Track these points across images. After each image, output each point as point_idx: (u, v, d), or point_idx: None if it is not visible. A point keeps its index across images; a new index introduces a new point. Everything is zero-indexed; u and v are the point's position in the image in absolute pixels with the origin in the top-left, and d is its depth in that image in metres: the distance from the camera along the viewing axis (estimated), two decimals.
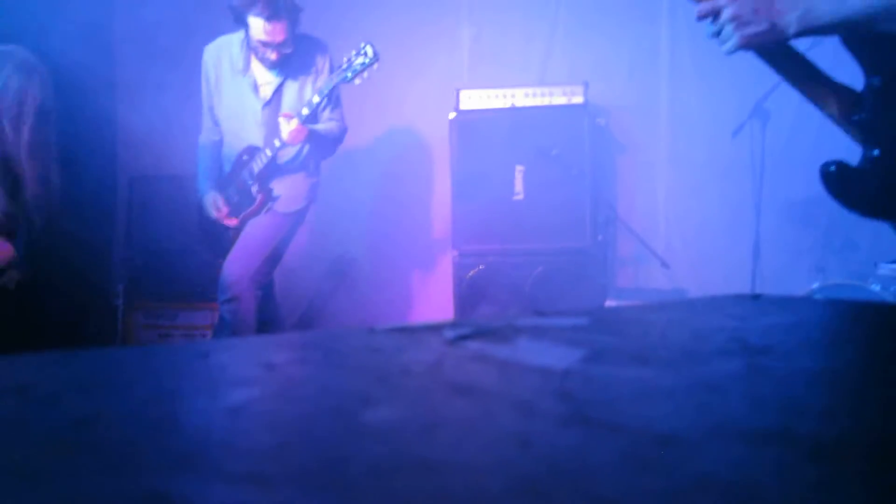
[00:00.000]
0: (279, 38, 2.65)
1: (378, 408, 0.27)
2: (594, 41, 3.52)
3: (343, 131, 2.86)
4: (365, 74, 2.62)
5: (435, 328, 0.48)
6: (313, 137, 2.71)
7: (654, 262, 3.19)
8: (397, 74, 2.90)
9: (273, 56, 2.69)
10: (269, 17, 2.60)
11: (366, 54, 2.59)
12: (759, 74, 1.88)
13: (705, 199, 3.40)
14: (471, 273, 3.27)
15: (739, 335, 0.47)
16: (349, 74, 2.61)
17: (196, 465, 0.21)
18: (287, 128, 2.62)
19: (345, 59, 2.63)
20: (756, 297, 0.76)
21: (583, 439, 0.23)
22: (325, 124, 2.78)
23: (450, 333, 0.46)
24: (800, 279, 3.03)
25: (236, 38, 2.82)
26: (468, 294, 3.29)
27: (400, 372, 0.34)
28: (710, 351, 0.41)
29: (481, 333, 0.46)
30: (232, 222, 2.84)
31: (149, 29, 3.71)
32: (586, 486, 0.19)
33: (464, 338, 0.45)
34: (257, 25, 2.63)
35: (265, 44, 2.66)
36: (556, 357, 0.38)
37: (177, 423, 0.26)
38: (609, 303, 3.04)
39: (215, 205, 2.84)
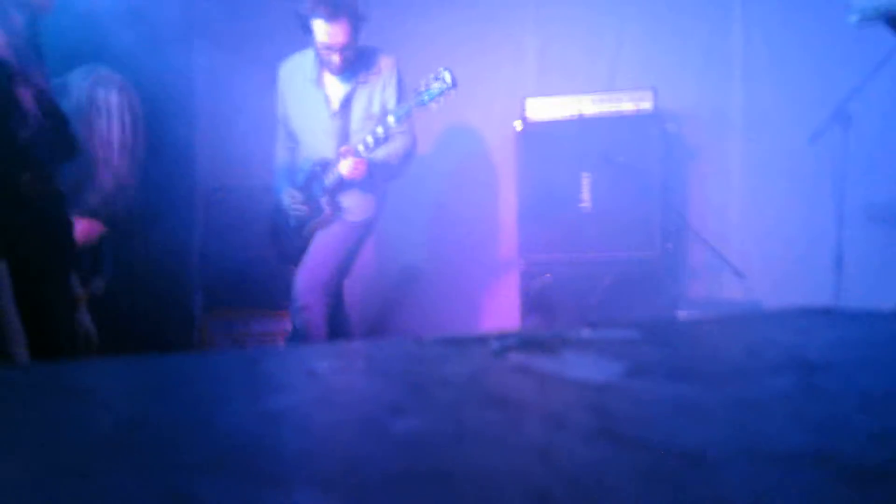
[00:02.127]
0: (341, 39, 2.71)
1: (407, 418, 0.27)
2: (663, 46, 3.44)
3: (413, 144, 2.89)
4: (441, 100, 2.67)
5: (482, 339, 0.48)
6: (374, 169, 2.77)
7: (728, 273, 3.09)
8: (464, 83, 2.90)
9: (336, 59, 2.74)
10: (329, 18, 2.66)
11: (444, 80, 2.65)
12: (839, 76, 1.80)
13: (783, 207, 3.26)
14: (537, 283, 3.25)
15: (797, 351, 0.45)
16: (425, 98, 2.66)
17: (226, 466, 0.22)
18: (345, 165, 2.69)
19: (422, 83, 2.68)
20: (827, 311, 0.72)
21: (606, 454, 0.23)
22: (391, 145, 2.82)
23: (495, 345, 0.46)
24: (888, 292, 2.87)
25: (310, 53, 2.90)
26: (534, 304, 3.27)
27: (437, 383, 0.34)
28: (760, 367, 0.40)
29: (527, 345, 0.46)
30: (303, 210, 2.88)
31: (226, 42, 3.86)
32: (601, 500, 0.19)
33: (508, 349, 0.45)
34: (320, 28, 2.70)
35: (328, 47, 2.72)
36: (598, 370, 0.37)
37: (215, 427, 0.27)
38: (680, 314, 2.95)
39: (291, 196, 2.90)
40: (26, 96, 1.51)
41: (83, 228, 2.15)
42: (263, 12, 3.78)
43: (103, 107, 2.36)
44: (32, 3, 1.61)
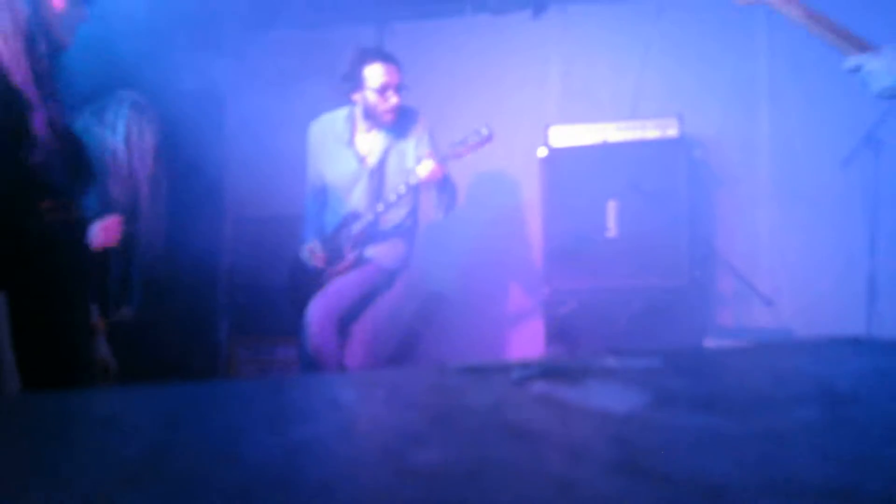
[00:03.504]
0: (396, 79, 2.80)
1: (427, 449, 0.27)
2: (688, 71, 3.44)
3: (455, 189, 2.96)
4: (477, 150, 2.76)
5: (504, 368, 0.48)
6: (447, 181, 2.82)
7: (758, 300, 3.04)
8: (487, 111, 2.93)
9: (395, 99, 2.80)
10: (387, 61, 2.76)
11: (481, 135, 2.74)
12: (867, 101, 1.79)
13: (813, 234, 3.21)
14: (563, 311, 3.23)
15: (825, 382, 0.44)
16: (461, 150, 2.74)
17: (249, 498, 0.22)
18: (426, 167, 2.73)
19: (460, 138, 2.76)
20: (856, 341, 0.71)
21: (627, 487, 0.23)
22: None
23: (517, 373, 0.46)
24: None
25: (340, 113, 2.98)
26: (560, 332, 3.25)
27: (459, 412, 0.34)
28: (787, 398, 0.39)
29: (549, 374, 0.46)
30: (321, 261, 2.92)
31: (254, 75, 3.94)
32: None
33: (531, 378, 0.45)
34: (376, 72, 2.79)
35: (386, 86, 2.79)
36: (621, 401, 0.37)
37: (239, 458, 0.27)
38: (708, 342, 2.91)
39: (312, 250, 2.95)
40: (40, 123, 1.55)
41: (104, 227, 2.18)
42: (296, 45, 3.87)
43: (135, 134, 2.42)
44: (54, 36, 1.66)
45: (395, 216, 2.87)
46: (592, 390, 0.41)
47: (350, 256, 2.89)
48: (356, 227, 2.87)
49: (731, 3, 2.17)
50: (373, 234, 2.87)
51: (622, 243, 3.13)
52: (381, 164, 2.91)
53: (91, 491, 0.23)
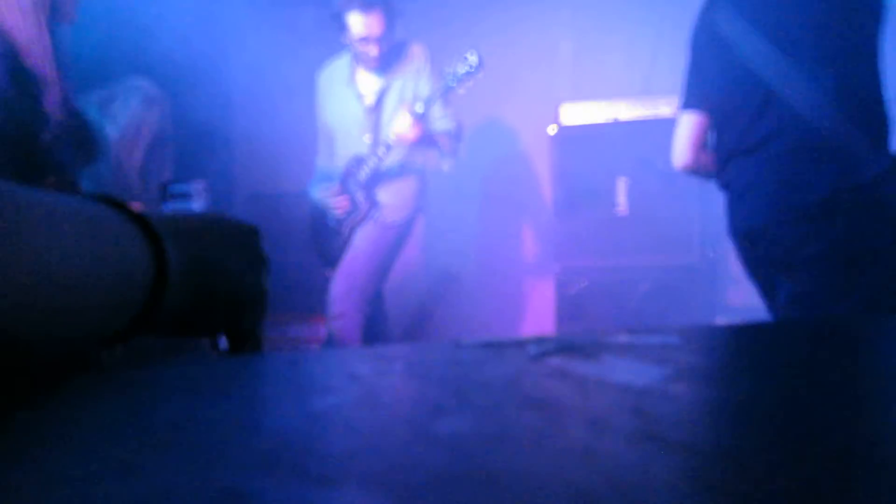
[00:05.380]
0: (377, 30, 2.75)
1: (449, 418, 0.27)
2: None
3: (460, 127, 2.90)
4: (470, 83, 2.65)
5: (520, 344, 0.48)
6: (427, 138, 2.77)
7: None
8: (499, 87, 2.92)
9: (374, 51, 2.77)
10: (364, 9, 2.70)
11: (469, 63, 2.62)
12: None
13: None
14: (574, 289, 3.23)
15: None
16: (451, 82, 2.65)
17: (274, 465, 0.23)
18: (400, 124, 2.69)
19: (448, 68, 2.67)
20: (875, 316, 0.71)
21: (649, 456, 0.23)
22: (440, 123, 2.84)
23: (533, 349, 0.47)
24: None
25: (344, 57, 2.95)
26: (571, 310, 3.25)
27: (477, 385, 0.34)
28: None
29: (565, 349, 0.46)
30: (341, 204, 2.89)
31: (263, 50, 3.93)
32: (645, 500, 0.19)
33: (547, 353, 0.45)
34: (356, 21, 2.75)
35: (365, 39, 2.75)
36: (638, 374, 0.37)
37: (261, 427, 0.27)
38: (720, 320, 2.91)
39: (326, 189, 2.92)
40: (52, 101, 1.55)
41: None
42: (301, 19, 3.85)
43: (135, 129, 2.41)
44: (63, 11, 1.66)
45: (399, 156, 2.85)
46: (609, 365, 0.41)
47: (364, 204, 2.87)
48: (363, 173, 2.85)
49: None
50: (380, 177, 2.86)
51: (633, 221, 3.12)
52: (379, 103, 2.89)
53: (117, 459, 0.23)
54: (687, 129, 1.89)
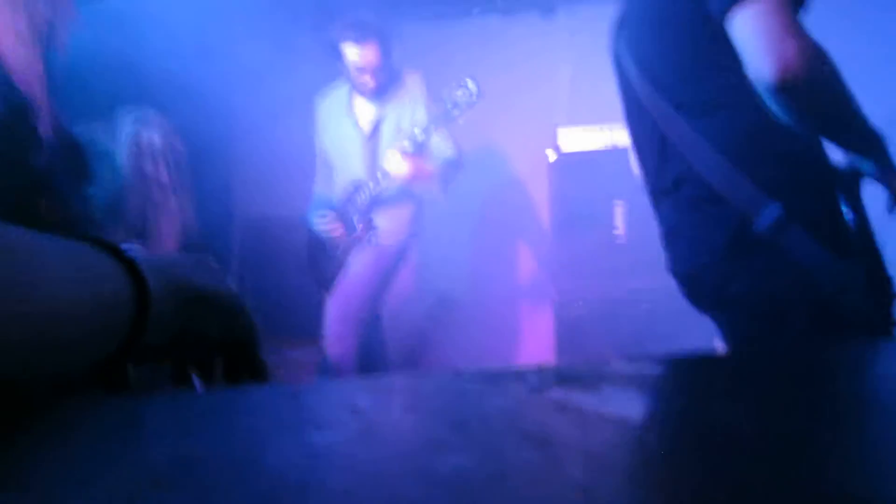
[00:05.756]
0: (372, 61, 2.77)
1: (449, 455, 0.27)
2: None
3: (460, 155, 2.90)
4: (468, 111, 2.66)
5: (520, 374, 0.48)
6: (420, 173, 2.78)
7: None
8: (496, 112, 2.94)
9: (370, 82, 2.79)
10: (359, 40, 2.72)
11: (469, 90, 2.62)
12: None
13: None
14: (572, 313, 3.22)
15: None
16: (451, 110, 2.65)
17: None
18: (392, 162, 2.70)
19: (445, 94, 2.67)
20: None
21: (648, 494, 0.23)
22: (440, 150, 2.84)
23: (534, 380, 0.47)
24: None
25: (343, 85, 2.97)
26: (570, 334, 3.25)
27: (476, 419, 0.34)
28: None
29: (565, 380, 0.46)
30: (337, 231, 2.90)
31: (262, 75, 3.96)
32: None
33: (546, 384, 0.45)
34: (351, 52, 2.77)
35: (360, 69, 2.77)
36: (637, 407, 0.37)
37: (260, 464, 0.27)
38: (718, 345, 2.90)
39: (322, 215, 2.94)
40: (45, 125, 1.56)
41: None
42: (300, 43, 3.88)
43: (147, 147, 2.43)
44: (54, 40, 1.67)
45: (397, 181, 2.85)
46: (608, 397, 0.41)
47: (360, 227, 2.88)
48: (361, 198, 2.86)
49: None
50: (378, 202, 2.86)
51: (631, 245, 3.13)
52: (376, 131, 2.90)
53: (117, 495, 0.23)
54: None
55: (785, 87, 1.13)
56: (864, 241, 1.35)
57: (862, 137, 1.30)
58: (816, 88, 1.15)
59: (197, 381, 0.60)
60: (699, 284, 1.52)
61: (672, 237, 1.59)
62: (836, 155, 1.39)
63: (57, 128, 1.59)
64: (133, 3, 2.85)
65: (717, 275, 1.42)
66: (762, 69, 1.14)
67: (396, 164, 2.70)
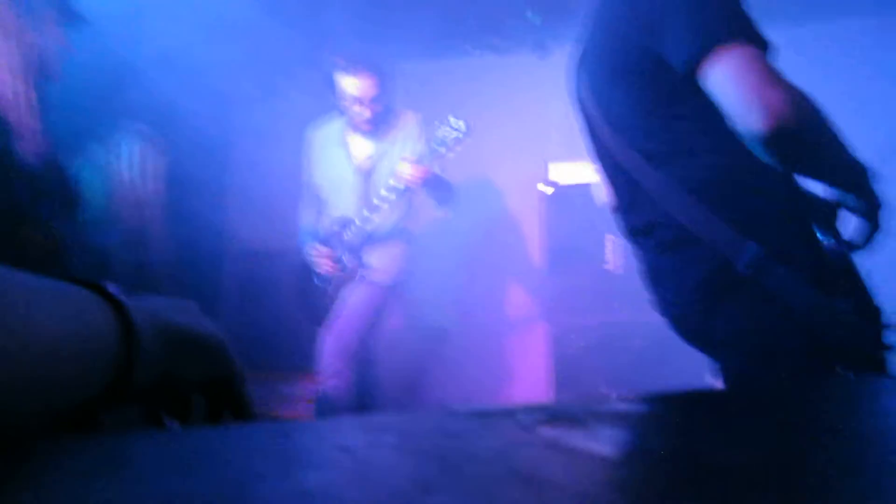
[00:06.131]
0: (369, 92, 2.78)
1: (437, 495, 0.27)
2: None
3: (450, 185, 2.92)
4: (458, 148, 2.68)
5: (511, 412, 0.48)
6: (434, 178, 2.78)
7: None
8: (491, 148, 2.97)
9: (366, 113, 2.80)
10: (355, 70, 2.74)
11: (458, 129, 2.65)
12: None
13: None
14: (567, 346, 3.22)
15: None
16: (440, 148, 2.68)
17: None
18: (405, 170, 2.70)
19: (436, 132, 2.70)
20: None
21: None
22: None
23: (525, 418, 0.47)
24: None
25: (337, 119, 3.00)
26: (565, 366, 3.24)
27: (468, 459, 0.34)
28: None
29: (557, 418, 0.46)
30: (328, 265, 2.90)
31: (258, 109, 3.99)
32: None
33: (538, 423, 0.45)
34: (348, 83, 2.78)
35: (357, 100, 2.79)
36: (628, 446, 0.37)
37: None
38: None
39: (315, 249, 2.93)
40: (28, 153, 1.56)
41: None
42: (297, 86, 3.93)
43: (137, 164, 2.43)
44: (46, 72, 1.68)
45: (388, 219, 2.86)
46: (600, 436, 0.41)
47: (350, 265, 2.87)
48: (348, 234, 2.86)
49: None
50: (366, 240, 2.86)
51: (625, 277, 3.14)
52: (371, 167, 2.92)
53: None
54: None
55: (775, 136, 1.12)
56: (847, 273, 1.34)
57: (848, 173, 1.29)
58: (805, 134, 1.15)
59: (170, 423, 0.60)
60: (685, 325, 1.50)
61: (652, 278, 1.58)
62: (812, 186, 1.39)
63: (44, 155, 1.60)
64: (127, 31, 2.87)
65: (702, 316, 1.40)
66: (750, 121, 1.14)
67: (410, 169, 2.69)
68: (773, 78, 1.14)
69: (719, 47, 1.17)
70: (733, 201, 1.32)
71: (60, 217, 1.71)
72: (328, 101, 2.95)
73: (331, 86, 2.85)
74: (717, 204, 1.32)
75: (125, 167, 2.38)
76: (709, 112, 1.26)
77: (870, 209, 1.35)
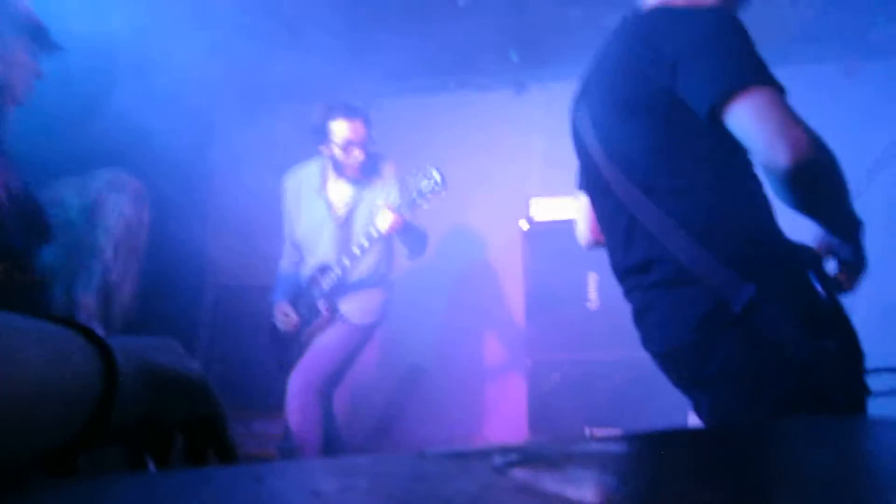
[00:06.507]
0: (363, 135, 2.84)
1: None
2: None
3: (425, 233, 2.95)
4: (431, 199, 2.72)
5: (485, 454, 0.48)
6: (409, 228, 2.81)
7: None
8: (471, 184, 2.99)
9: (361, 155, 2.84)
10: (351, 117, 2.82)
11: (434, 181, 2.69)
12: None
13: None
14: (546, 384, 3.21)
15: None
16: (416, 199, 2.72)
17: None
18: (384, 218, 2.72)
19: (411, 182, 2.74)
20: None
21: None
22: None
23: (498, 460, 0.47)
24: None
25: (314, 163, 3.02)
26: (543, 404, 3.22)
27: (439, 503, 0.34)
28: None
29: (530, 460, 0.46)
30: (291, 321, 2.90)
31: (236, 146, 3.99)
32: None
33: (512, 465, 0.45)
34: (341, 128, 2.84)
35: (350, 142, 2.83)
36: (601, 488, 0.37)
37: None
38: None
39: (283, 311, 2.95)
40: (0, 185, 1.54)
41: None
42: (277, 119, 3.95)
43: (113, 209, 2.41)
44: (9, 96, 1.66)
45: (367, 266, 2.86)
46: (574, 478, 0.41)
47: (325, 313, 2.87)
48: (327, 282, 2.86)
49: None
50: (345, 287, 2.86)
51: (604, 315, 3.15)
52: (350, 214, 2.93)
53: None
54: (581, 210, 1.89)
55: (797, 170, 1.19)
56: (835, 317, 1.37)
57: (847, 221, 1.37)
58: (821, 171, 1.22)
59: (152, 464, 0.59)
60: (675, 364, 1.52)
61: (644, 317, 1.59)
62: (800, 235, 1.44)
63: (12, 188, 1.58)
64: (99, 58, 2.84)
65: (694, 355, 1.42)
66: (775, 155, 1.20)
67: (389, 218, 2.72)
68: (795, 118, 1.21)
69: (744, 89, 1.24)
70: (732, 244, 1.36)
71: (32, 249, 1.68)
72: (309, 142, 2.96)
73: (322, 133, 2.88)
74: (715, 245, 1.35)
75: (99, 205, 2.35)
76: (715, 153, 1.34)
77: (855, 260, 1.42)
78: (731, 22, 1.32)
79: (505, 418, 3.70)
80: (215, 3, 3.01)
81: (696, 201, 1.38)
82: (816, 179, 1.22)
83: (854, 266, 1.44)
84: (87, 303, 2.23)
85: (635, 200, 1.43)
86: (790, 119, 1.21)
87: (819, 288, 1.39)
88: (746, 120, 1.24)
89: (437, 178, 2.69)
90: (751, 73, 1.26)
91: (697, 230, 1.37)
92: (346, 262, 2.81)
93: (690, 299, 1.39)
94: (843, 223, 1.37)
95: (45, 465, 0.47)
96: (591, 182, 1.64)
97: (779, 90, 1.25)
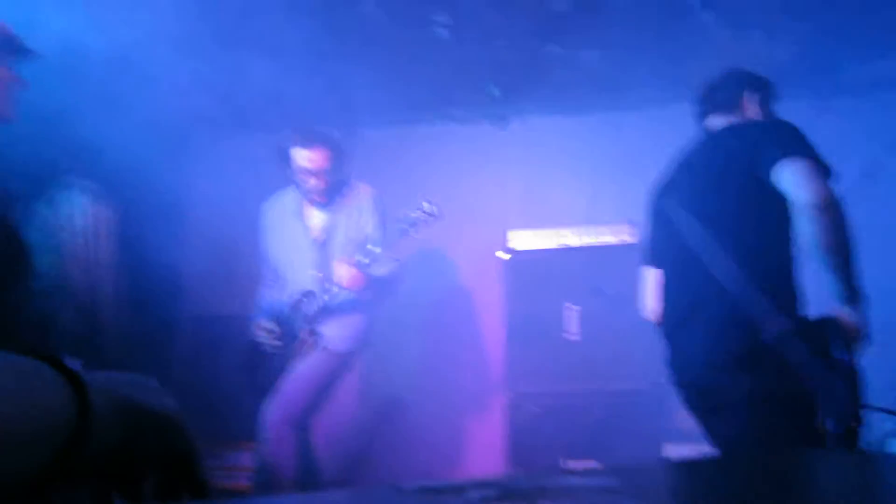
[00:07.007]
0: (321, 164, 2.82)
1: None
2: (640, 181, 3.60)
3: (401, 268, 2.93)
4: (422, 228, 2.73)
5: (460, 488, 0.47)
6: (372, 283, 2.80)
7: None
8: (450, 215, 2.99)
9: (319, 184, 2.82)
10: (308, 144, 2.81)
11: (427, 213, 2.71)
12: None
13: None
14: (525, 415, 3.18)
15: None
16: (408, 229, 2.72)
17: None
18: (344, 275, 2.71)
19: (403, 215, 2.75)
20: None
21: None
22: (384, 266, 2.85)
23: (474, 495, 0.45)
24: None
25: (290, 190, 3.01)
26: (522, 437, 3.19)
27: None
28: None
29: (506, 495, 0.45)
30: (278, 343, 2.86)
31: (214, 174, 3.95)
32: None
33: (488, 501, 0.44)
34: (299, 155, 2.83)
35: (309, 172, 2.82)
36: None
37: None
38: (668, 447, 2.88)
39: (265, 327, 2.89)
40: None
41: None
42: (253, 145, 3.92)
43: (84, 223, 2.37)
44: None
45: (350, 293, 2.83)
46: None
47: (307, 338, 2.83)
48: (309, 308, 2.83)
49: (679, 122, 2.33)
50: (326, 313, 2.83)
51: (584, 346, 3.14)
52: (327, 238, 2.91)
53: None
54: (649, 283, 2.24)
55: (820, 206, 1.68)
56: (846, 363, 1.67)
57: (854, 279, 1.72)
58: (837, 214, 1.69)
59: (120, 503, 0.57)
60: (698, 387, 1.84)
61: (680, 353, 1.93)
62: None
63: None
64: (69, 73, 2.78)
65: (721, 379, 1.75)
66: (807, 194, 1.71)
67: (347, 278, 2.72)
68: (822, 176, 1.75)
69: (792, 157, 1.76)
70: (774, 284, 1.79)
71: (8, 278, 1.64)
72: (283, 174, 2.94)
73: (286, 159, 2.88)
74: (762, 286, 1.75)
75: (72, 227, 2.31)
76: (773, 217, 1.82)
77: (859, 326, 1.74)
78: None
79: (483, 450, 3.66)
80: (197, 31, 2.99)
81: (756, 252, 1.83)
82: (832, 217, 1.67)
83: (857, 332, 1.72)
84: (64, 318, 2.19)
85: (710, 250, 1.84)
86: (819, 174, 1.75)
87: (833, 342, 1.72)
88: (791, 173, 1.76)
89: (430, 209, 2.72)
90: (798, 148, 1.79)
91: (750, 270, 1.77)
92: (335, 289, 2.79)
93: (735, 329, 1.75)
94: (849, 275, 1.71)
95: (20, 500, 0.45)
96: (669, 249, 2.03)
97: (819, 163, 1.76)
